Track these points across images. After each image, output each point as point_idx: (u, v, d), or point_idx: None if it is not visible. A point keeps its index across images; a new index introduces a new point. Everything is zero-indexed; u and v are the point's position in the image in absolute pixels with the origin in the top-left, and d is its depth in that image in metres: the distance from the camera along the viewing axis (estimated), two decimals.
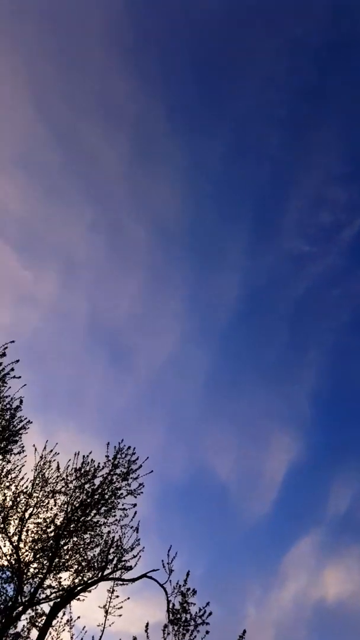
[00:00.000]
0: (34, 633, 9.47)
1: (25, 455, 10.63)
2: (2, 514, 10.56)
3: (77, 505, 10.41)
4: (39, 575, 9.91)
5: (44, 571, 9.93)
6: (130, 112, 26.84)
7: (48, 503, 10.54)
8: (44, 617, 9.53)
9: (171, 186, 27.75)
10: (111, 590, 10.11)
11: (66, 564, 10.14)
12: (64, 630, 9.63)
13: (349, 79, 27.32)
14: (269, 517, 25.10)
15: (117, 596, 10.02)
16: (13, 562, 9.96)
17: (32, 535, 10.57)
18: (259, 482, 26.47)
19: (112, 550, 10.29)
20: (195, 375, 28.21)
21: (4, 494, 10.64)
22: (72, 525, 10.43)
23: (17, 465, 10.59)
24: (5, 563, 10.10)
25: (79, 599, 9.94)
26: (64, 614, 9.64)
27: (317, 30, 26.62)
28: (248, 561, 24.87)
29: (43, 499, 10.56)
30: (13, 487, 10.62)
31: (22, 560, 9.98)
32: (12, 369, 10.12)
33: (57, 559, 10.05)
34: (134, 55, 26.10)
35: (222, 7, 26.10)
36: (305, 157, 28.86)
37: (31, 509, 10.57)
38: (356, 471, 24.77)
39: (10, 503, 10.58)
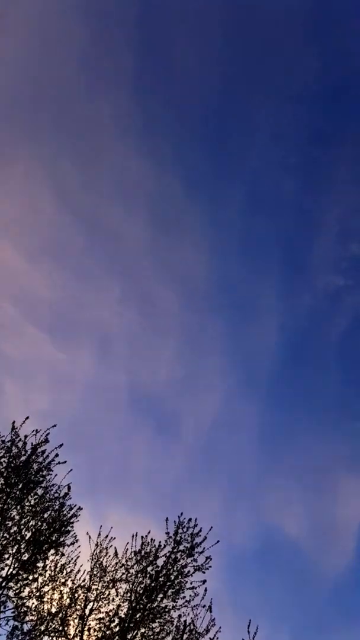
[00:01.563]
0: None
1: (79, 546, 9.95)
2: (60, 615, 9.74)
3: (141, 591, 9.68)
4: None
5: None
6: (147, 189, 27.73)
7: (109, 594, 9.79)
8: None
9: (194, 250, 28.31)
10: None
11: None
12: None
13: (353, 119, 28.75)
14: (351, 569, 23.65)
15: None
16: None
17: (95, 633, 9.75)
18: (333, 533, 25.11)
19: (185, 636, 9.53)
20: (247, 431, 27.46)
21: (61, 591, 9.86)
22: (138, 615, 9.65)
23: (72, 558, 9.88)
24: None
25: None
26: None
27: (313, 80, 28.22)
28: (336, 621, 23.04)
29: (103, 590, 9.82)
30: (70, 583, 9.87)
31: None
32: (57, 455, 9.61)
33: None
34: (145, 139, 27.31)
35: (221, 79, 27.66)
36: (323, 195, 29.83)
37: (91, 603, 9.79)
38: None
39: (68, 601, 9.79)
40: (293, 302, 29.42)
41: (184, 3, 26.53)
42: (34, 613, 9.43)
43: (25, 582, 9.59)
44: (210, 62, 27.54)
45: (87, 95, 26.75)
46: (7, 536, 9.30)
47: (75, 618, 9.81)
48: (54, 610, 9.59)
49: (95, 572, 9.86)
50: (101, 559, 9.91)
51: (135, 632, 9.64)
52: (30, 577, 9.63)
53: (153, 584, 9.66)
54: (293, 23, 27.24)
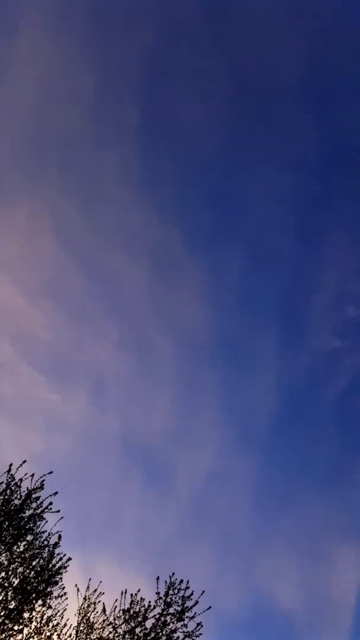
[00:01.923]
0: None
1: (67, 598, 9.64)
2: None
3: None
4: None
5: None
6: (148, 238, 28.47)
7: None
8: None
9: (193, 301, 28.64)
10: None
11: None
12: None
13: (350, 185, 29.21)
14: None
15: None
16: None
17: None
18: (328, 607, 23.57)
19: None
20: (241, 489, 26.82)
21: None
22: None
23: (59, 610, 9.57)
24: None
25: None
26: None
27: (311, 149, 29.00)
28: None
29: None
30: (55, 637, 9.52)
31: None
32: (51, 503, 9.44)
33: None
34: (148, 189, 28.15)
35: (224, 139, 28.52)
36: (320, 259, 30.20)
37: None
38: None
39: None
40: (291, 361, 29.19)
41: (191, 62, 27.50)
42: None
43: (10, 632, 9.32)
44: (214, 123, 28.43)
45: (92, 144, 27.68)
46: None
47: None
48: None
49: (82, 628, 9.50)
50: (89, 614, 9.56)
51: None
52: (16, 628, 9.36)
53: None
54: (294, 97, 28.25)
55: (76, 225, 27.08)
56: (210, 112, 28.09)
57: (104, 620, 9.48)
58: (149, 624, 9.30)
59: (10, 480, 9.57)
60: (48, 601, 9.50)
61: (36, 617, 9.46)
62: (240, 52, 28.10)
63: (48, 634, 9.56)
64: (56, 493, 9.38)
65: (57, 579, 9.52)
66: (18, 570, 9.35)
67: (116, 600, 9.51)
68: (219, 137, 28.58)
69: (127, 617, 9.36)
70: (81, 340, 27.09)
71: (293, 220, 30.33)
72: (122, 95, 27.41)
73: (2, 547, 9.36)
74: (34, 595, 9.40)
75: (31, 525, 9.41)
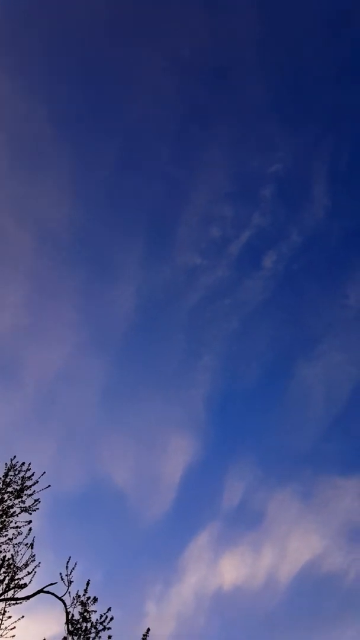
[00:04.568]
0: None
1: None
2: None
3: None
4: None
5: None
6: (7, 112, 24.42)
7: None
8: None
9: (58, 191, 26.20)
10: (2, 612, 9.60)
11: None
12: None
13: (235, 100, 28.38)
14: (168, 516, 26.27)
15: (10, 617, 9.56)
16: None
17: None
18: (157, 485, 27.64)
19: (2, 570, 9.72)
20: (90, 387, 27.47)
21: None
22: None
23: None
24: None
25: None
26: None
27: (205, 53, 27.19)
28: (148, 562, 25.71)
29: None
30: None
31: None
32: None
33: None
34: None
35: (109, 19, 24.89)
36: (195, 175, 29.89)
37: None
38: (248, 465, 27.28)
39: None
40: (153, 272, 30.17)
41: None
42: None
43: None
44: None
45: None
46: None
47: None
48: None
49: None
50: None
51: None
52: None
53: None
54: None
55: None
56: None
57: None
58: None
59: None
60: None
61: None
62: None
63: None
64: None
65: None
66: None
67: None
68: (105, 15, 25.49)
69: None
70: None
71: (174, 128, 29.31)
72: None
73: None
74: None
75: None
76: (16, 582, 9.68)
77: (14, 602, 9.65)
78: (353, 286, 29.61)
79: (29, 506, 9.80)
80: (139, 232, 29.75)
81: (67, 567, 9.60)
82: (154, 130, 29.03)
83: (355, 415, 28.70)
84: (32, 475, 9.79)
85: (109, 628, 9.52)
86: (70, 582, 9.59)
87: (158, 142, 29.18)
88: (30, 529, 9.79)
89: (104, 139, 27.77)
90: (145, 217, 29.95)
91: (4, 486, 9.63)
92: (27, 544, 9.82)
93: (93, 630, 9.36)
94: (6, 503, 9.65)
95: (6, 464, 9.74)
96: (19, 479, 9.71)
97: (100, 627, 9.52)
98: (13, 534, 9.74)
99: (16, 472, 9.70)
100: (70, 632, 9.40)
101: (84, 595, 9.51)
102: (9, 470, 9.70)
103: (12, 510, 9.67)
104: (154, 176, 29.50)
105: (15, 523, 9.76)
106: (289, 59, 29.84)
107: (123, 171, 28.79)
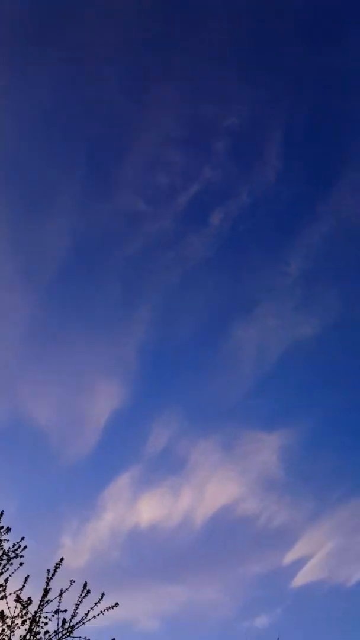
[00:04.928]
0: None
1: None
2: None
3: None
4: None
5: None
6: None
7: None
8: None
9: None
10: None
11: None
12: None
13: (196, 35, 25.69)
14: (90, 457, 25.88)
15: None
16: None
17: None
18: (80, 427, 27.01)
19: None
20: (15, 324, 25.76)
21: None
22: None
23: None
24: None
25: None
26: None
27: None
28: (67, 498, 25.47)
29: None
30: None
31: None
32: None
33: None
34: None
35: None
36: (145, 110, 27.21)
37: None
38: (174, 415, 26.86)
39: None
40: (91, 211, 27.85)
41: None
42: None
43: None
44: None
45: None
46: None
47: None
48: None
49: None
50: None
51: None
52: None
53: None
54: None
55: None
56: None
57: None
58: None
59: None
60: None
61: None
62: None
63: None
64: None
65: None
66: None
67: None
68: None
69: None
70: None
71: (127, 54, 26.78)
72: None
73: None
74: None
75: None
76: None
77: None
78: (295, 254, 28.41)
79: None
80: (78, 163, 26.97)
81: None
82: (105, 54, 26.05)
83: (281, 377, 28.87)
84: None
85: (21, 556, 8.83)
86: None
87: (108, 66, 26.24)
88: None
89: (46, 53, 24.64)
90: (85, 146, 27.22)
91: None
92: None
93: (5, 557, 8.64)
94: None
95: None
96: None
97: (12, 555, 8.84)
98: None
99: None
100: None
101: None
102: None
103: None
104: (98, 101, 26.65)
105: None
106: (257, 7, 27.00)
107: (65, 93, 25.82)
